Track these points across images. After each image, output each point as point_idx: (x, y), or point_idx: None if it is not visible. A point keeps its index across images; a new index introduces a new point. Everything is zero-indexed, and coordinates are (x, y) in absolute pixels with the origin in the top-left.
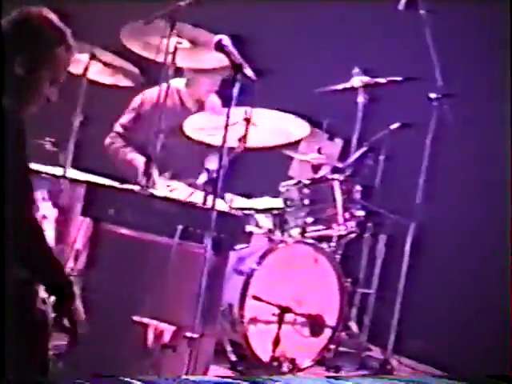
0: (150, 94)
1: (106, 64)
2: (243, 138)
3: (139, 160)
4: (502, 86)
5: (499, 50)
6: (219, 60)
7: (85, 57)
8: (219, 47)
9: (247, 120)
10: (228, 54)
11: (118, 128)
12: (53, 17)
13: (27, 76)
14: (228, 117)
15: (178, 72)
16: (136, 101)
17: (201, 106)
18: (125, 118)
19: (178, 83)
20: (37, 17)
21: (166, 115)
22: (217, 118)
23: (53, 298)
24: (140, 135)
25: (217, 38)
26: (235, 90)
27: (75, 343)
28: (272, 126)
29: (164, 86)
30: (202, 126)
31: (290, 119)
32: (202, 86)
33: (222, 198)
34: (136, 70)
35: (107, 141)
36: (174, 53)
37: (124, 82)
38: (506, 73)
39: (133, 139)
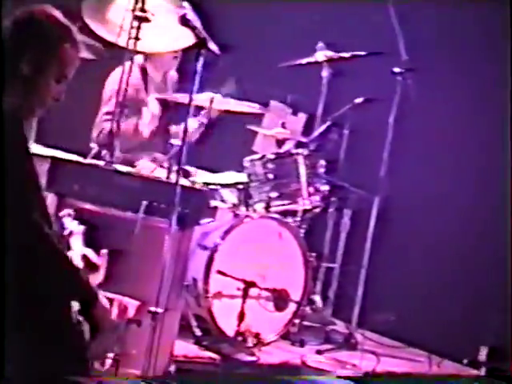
0: (117, 75)
1: None
2: (207, 113)
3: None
4: (466, 60)
5: (464, 24)
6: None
7: None
8: (183, 21)
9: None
10: (192, 29)
11: (103, 118)
12: (57, 13)
13: (34, 75)
14: (192, 93)
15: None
16: (110, 86)
17: (166, 78)
18: (108, 107)
19: (141, 58)
20: (40, 14)
21: (136, 91)
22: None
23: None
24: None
25: (181, 12)
26: (199, 65)
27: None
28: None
29: (131, 64)
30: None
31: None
32: (164, 55)
33: (187, 175)
34: (99, 45)
35: (96, 135)
36: (138, 28)
37: (88, 55)
38: (471, 47)
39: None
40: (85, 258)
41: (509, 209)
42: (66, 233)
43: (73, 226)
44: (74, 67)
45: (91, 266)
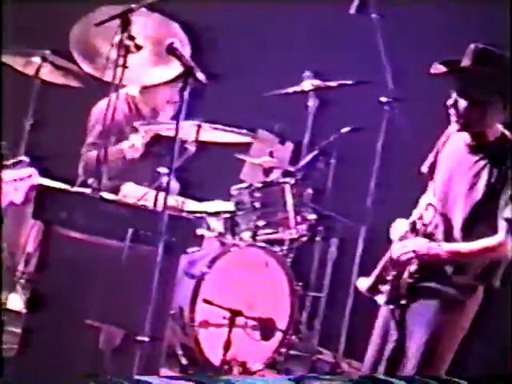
0: (104, 104)
1: (57, 66)
2: (195, 142)
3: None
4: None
5: (449, 53)
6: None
7: (37, 59)
8: (170, 50)
9: (199, 126)
10: (179, 58)
11: (88, 149)
12: None
13: None
14: (178, 121)
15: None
16: (94, 115)
17: (156, 115)
18: (92, 138)
19: (133, 90)
20: None
21: (122, 122)
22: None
23: None
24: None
25: (168, 41)
26: (186, 94)
27: None
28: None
29: (117, 93)
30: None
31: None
32: (159, 95)
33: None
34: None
35: (82, 166)
36: (125, 56)
37: (75, 83)
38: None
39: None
40: None
41: None
42: None
43: None
44: None
45: None
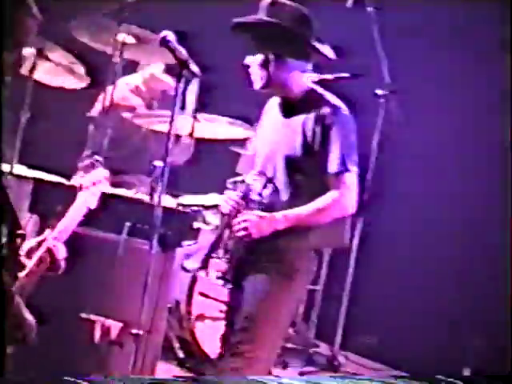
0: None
1: (53, 62)
2: (190, 135)
3: None
4: (448, 83)
5: (445, 48)
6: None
7: (32, 53)
8: (164, 43)
9: (194, 117)
10: (173, 50)
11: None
12: None
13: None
14: (173, 113)
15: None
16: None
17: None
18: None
19: (136, 79)
20: None
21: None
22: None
23: None
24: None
25: (162, 33)
26: (180, 87)
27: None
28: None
29: (117, 82)
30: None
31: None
32: (162, 86)
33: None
34: (83, 71)
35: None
36: (121, 49)
37: (71, 81)
38: (453, 69)
39: None
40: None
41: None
42: None
43: None
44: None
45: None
